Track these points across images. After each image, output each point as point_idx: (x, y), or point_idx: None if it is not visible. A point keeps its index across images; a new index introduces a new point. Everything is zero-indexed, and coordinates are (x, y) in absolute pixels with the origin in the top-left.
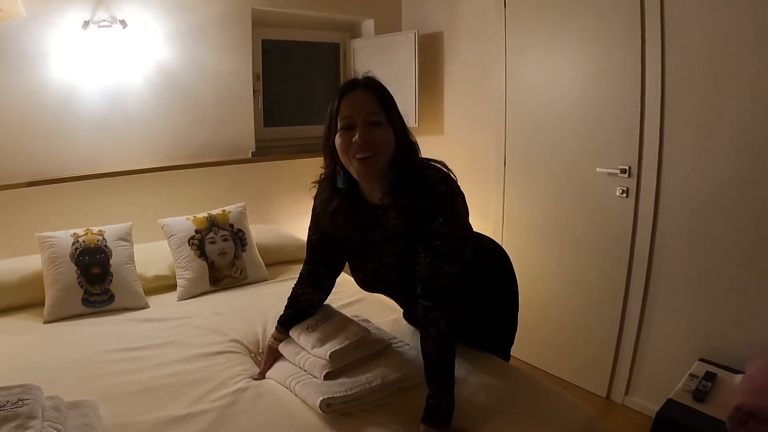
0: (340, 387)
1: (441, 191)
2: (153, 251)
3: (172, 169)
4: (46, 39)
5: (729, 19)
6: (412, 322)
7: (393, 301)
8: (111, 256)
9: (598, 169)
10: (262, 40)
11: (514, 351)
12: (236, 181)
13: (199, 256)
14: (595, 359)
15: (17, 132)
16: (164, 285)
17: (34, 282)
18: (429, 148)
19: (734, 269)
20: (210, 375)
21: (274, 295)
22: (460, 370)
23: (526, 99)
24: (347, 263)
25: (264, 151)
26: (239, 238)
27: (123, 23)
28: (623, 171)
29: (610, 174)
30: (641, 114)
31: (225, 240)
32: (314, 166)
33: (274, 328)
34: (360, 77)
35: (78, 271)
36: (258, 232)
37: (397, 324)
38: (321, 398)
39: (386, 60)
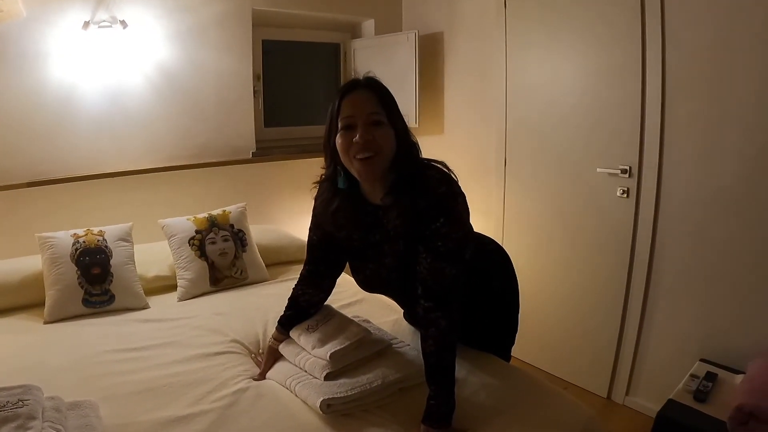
0: (341, 387)
1: (442, 192)
2: (153, 252)
3: (172, 170)
4: (46, 39)
5: (730, 18)
6: (412, 322)
7: (393, 302)
8: (111, 256)
9: (598, 170)
10: (263, 41)
11: (515, 351)
12: (236, 181)
13: (200, 257)
14: (595, 359)
15: (17, 132)
16: (164, 285)
17: (35, 282)
18: (429, 148)
19: (735, 270)
20: (210, 375)
21: (274, 295)
22: (461, 370)
23: (527, 99)
24: (348, 264)
25: (264, 152)
26: (239, 238)
27: (123, 23)
28: (624, 171)
29: (610, 174)
30: (642, 114)
31: (225, 240)
32: (315, 167)
33: (274, 329)
34: (361, 77)
35: (78, 272)
36: (258, 233)
37: (398, 324)
38: (321, 399)
39: (386, 60)
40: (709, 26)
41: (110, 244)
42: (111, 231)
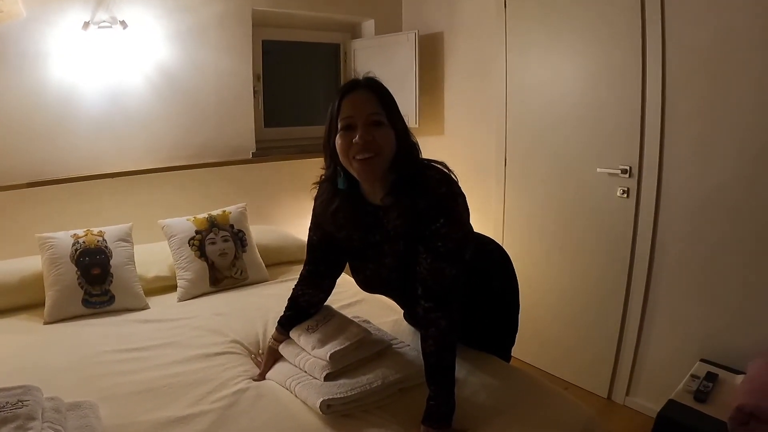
0: (341, 388)
1: (442, 192)
2: (153, 252)
3: (172, 170)
4: (46, 39)
5: (730, 19)
6: (412, 322)
7: (393, 302)
8: (111, 256)
9: (598, 170)
10: (263, 41)
11: (515, 351)
12: (236, 181)
13: (200, 257)
14: (596, 359)
15: (17, 132)
16: (164, 286)
17: (35, 283)
18: (429, 148)
19: (735, 269)
20: (210, 376)
21: (274, 295)
22: (461, 370)
23: (527, 99)
24: (348, 264)
25: (264, 152)
26: (239, 238)
27: (123, 24)
28: (624, 171)
29: (610, 174)
30: (642, 114)
31: (225, 240)
32: (315, 167)
33: (274, 329)
34: (361, 77)
35: (78, 272)
36: (258, 233)
37: (398, 325)
38: (321, 399)
39: (387, 60)
40: (710, 27)
41: (110, 245)
42: (111, 231)
